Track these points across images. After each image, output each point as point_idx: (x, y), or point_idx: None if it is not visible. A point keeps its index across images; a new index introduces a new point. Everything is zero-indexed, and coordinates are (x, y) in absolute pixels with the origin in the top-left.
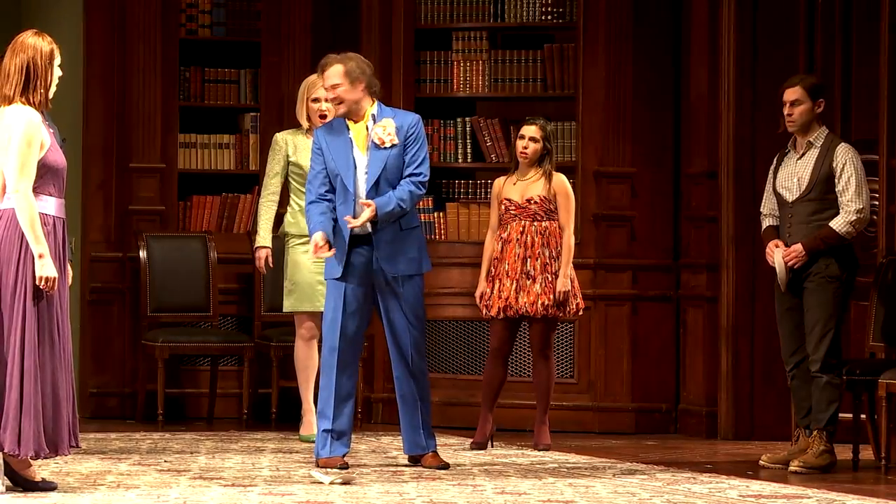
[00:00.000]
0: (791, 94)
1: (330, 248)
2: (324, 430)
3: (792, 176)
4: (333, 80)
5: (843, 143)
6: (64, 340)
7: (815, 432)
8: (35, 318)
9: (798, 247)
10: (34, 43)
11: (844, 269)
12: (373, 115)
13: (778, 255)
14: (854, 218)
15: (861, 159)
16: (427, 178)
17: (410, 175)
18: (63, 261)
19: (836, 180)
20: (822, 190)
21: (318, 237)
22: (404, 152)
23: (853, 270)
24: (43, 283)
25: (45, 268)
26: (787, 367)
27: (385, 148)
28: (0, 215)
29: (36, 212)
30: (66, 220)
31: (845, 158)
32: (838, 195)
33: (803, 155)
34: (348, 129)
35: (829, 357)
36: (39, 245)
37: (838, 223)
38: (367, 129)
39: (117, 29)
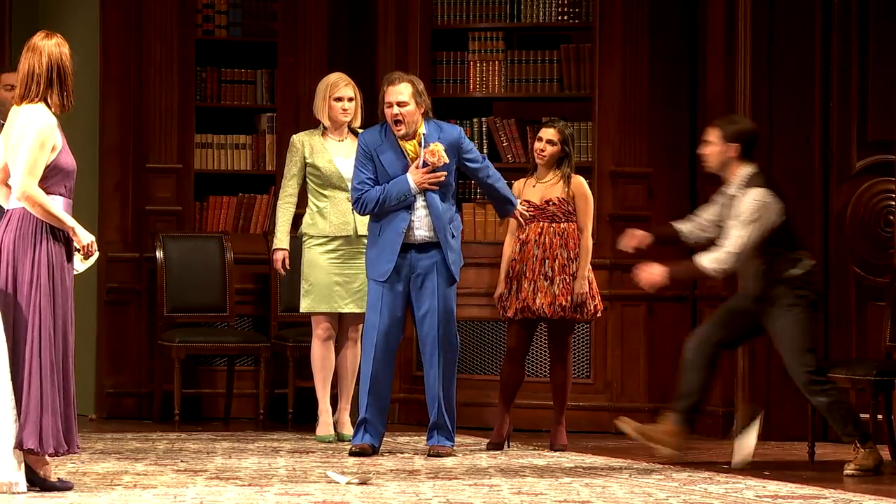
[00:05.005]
0: (706, 133)
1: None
2: (360, 419)
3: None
4: (403, 97)
5: (755, 190)
6: (72, 339)
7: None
8: (51, 315)
9: (663, 270)
10: (53, 44)
11: (802, 294)
12: (423, 135)
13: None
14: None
15: (775, 209)
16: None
17: (487, 167)
18: (70, 260)
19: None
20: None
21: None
22: (463, 160)
23: (815, 291)
24: (87, 249)
25: (83, 237)
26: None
27: (438, 168)
28: (11, 215)
29: (46, 200)
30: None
31: (749, 199)
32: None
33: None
34: (398, 143)
35: (808, 377)
36: (66, 223)
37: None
38: (420, 145)
39: (134, 29)
